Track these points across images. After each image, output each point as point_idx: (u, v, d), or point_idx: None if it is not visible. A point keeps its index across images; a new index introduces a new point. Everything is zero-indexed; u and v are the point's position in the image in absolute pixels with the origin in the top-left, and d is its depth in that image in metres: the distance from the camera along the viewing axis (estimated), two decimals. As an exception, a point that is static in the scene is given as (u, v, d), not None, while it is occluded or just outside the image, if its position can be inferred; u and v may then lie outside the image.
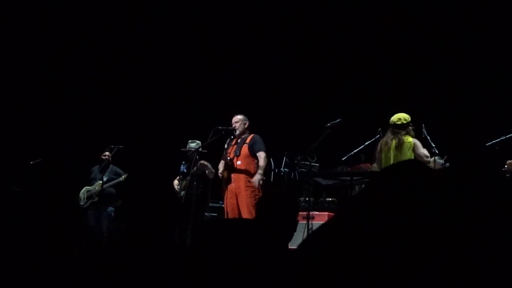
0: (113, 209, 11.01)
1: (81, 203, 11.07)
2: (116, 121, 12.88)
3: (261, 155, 8.93)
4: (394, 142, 8.15)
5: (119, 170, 11.11)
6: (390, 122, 8.33)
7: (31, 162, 11.26)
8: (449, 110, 11.22)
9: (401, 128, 8.29)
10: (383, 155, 8.18)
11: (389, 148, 8.15)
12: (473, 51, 11.33)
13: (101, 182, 10.88)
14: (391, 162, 7.97)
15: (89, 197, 11.00)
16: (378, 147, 8.25)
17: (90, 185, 11.12)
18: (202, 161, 9.64)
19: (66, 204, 11.33)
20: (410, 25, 11.94)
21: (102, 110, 13.07)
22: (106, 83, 13.32)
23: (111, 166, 11.15)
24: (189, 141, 10.06)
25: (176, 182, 10.23)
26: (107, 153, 11.06)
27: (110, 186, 10.96)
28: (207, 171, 9.72)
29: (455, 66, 11.48)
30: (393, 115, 8.44)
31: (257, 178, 8.77)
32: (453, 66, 11.49)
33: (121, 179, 10.94)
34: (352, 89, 12.15)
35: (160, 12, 13.16)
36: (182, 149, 9.93)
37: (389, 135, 8.27)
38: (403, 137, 8.16)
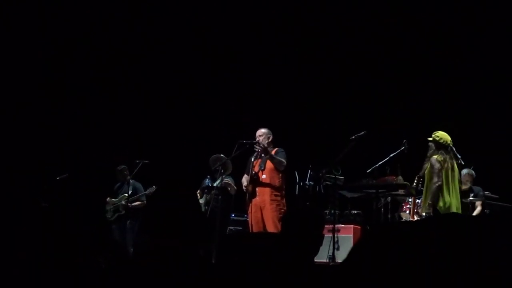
0: (135, 223, 11.03)
1: (109, 216, 11.14)
2: (141, 135, 12.94)
3: (282, 160, 8.90)
4: (452, 162, 8.11)
5: (138, 185, 11.16)
6: (444, 142, 8.20)
7: (57, 178, 11.34)
8: (475, 120, 11.15)
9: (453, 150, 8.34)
10: (444, 173, 8.09)
11: (448, 168, 8.08)
12: (500, 61, 11.26)
13: (126, 195, 10.93)
14: (453, 182, 8.01)
15: (115, 210, 11.03)
16: (439, 164, 8.12)
17: (114, 198, 11.18)
18: (226, 180, 9.68)
19: (92, 218, 11.39)
20: (433, 30, 11.90)
21: (127, 125, 13.15)
22: (131, 99, 13.40)
23: (131, 181, 11.18)
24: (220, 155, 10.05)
25: (198, 193, 10.29)
26: (123, 168, 11.16)
27: (134, 200, 11.01)
28: (229, 188, 9.76)
29: (480, 73, 11.41)
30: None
31: (261, 146, 8.70)
32: (477, 74, 11.42)
33: (147, 192, 10.98)
34: (376, 102, 12.12)
35: (184, 23, 13.23)
36: (214, 156, 9.91)
37: (444, 154, 8.16)
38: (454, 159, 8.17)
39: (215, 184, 9.55)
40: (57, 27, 13.12)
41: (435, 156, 8.09)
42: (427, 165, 8.07)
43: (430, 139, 8.13)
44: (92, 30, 13.26)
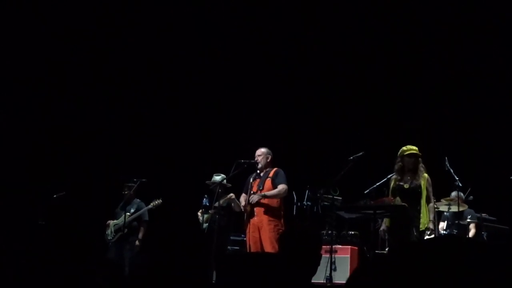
0: (138, 243, 10.86)
1: (109, 238, 10.92)
2: (139, 154, 12.94)
3: (281, 186, 8.91)
4: None
5: (143, 205, 11.04)
6: None
7: (55, 196, 11.29)
8: (473, 142, 11.17)
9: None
10: None
11: None
12: (497, 81, 11.31)
13: (128, 214, 10.79)
14: None
15: (117, 230, 10.85)
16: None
17: (115, 219, 11.02)
18: (231, 195, 9.59)
19: (89, 237, 11.33)
20: (434, 56, 11.97)
21: (125, 143, 13.15)
22: (128, 117, 13.42)
23: (135, 200, 11.08)
24: (214, 174, 10.02)
25: (199, 213, 10.22)
26: (128, 188, 10.98)
27: (134, 220, 10.87)
28: (233, 204, 9.64)
29: (478, 97, 11.45)
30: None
31: (255, 196, 8.78)
32: (476, 98, 11.46)
33: (150, 206, 10.82)
34: (375, 122, 12.15)
35: (183, 38, 13.29)
36: (206, 182, 9.88)
37: None
38: None
39: (220, 203, 9.46)
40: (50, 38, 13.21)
41: (427, 175, 8.15)
42: (421, 182, 8.07)
43: (418, 153, 8.16)
44: (89, 40, 13.36)
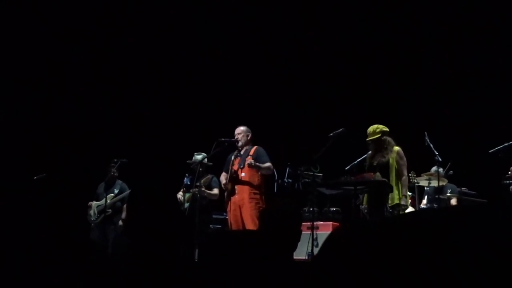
0: (121, 223, 10.87)
1: (93, 219, 10.93)
2: (119, 134, 12.89)
3: (268, 164, 8.93)
4: None
5: (125, 186, 11.05)
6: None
7: (35, 177, 11.23)
8: (452, 116, 11.23)
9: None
10: None
11: None
12: (476, 57, 11.35)
13: (112, 194, 10.81)
14: None
15: (101, 211, 10.85)
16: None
17: (97, 201, 11.02)
18: (209, 176, 9.67)
19: (71, 219, 11.30)
20: (412, 32, 11.98)
21: (105, 124, 13.10)
22: (109, 96, 13.36)
23: (118, 180, 11.09)
24: (195, 153, 10.01)
25: (180, 193, 10.20)
26: (113, 168, 10.97)
27: (119, 200, 10.89)
28: (205, 194, 9.63)
29: (457, 71, 11.50)
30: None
31: (252, 161, 8.76)
32: (455, 72, 11.51)
33: (125, 194, 10.85)
34: (354, 99, 12.18)
35: (169, 24, 13.23)
36: (188, 161, 9.88)
37: None
38: None
39: (201, 183, 9.47)
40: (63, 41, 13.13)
41: (398, 148, 8.16)
42: (391, 156, 8.09)
43: (379, 135, 8.16)
44: (89, 40, 13.26)
